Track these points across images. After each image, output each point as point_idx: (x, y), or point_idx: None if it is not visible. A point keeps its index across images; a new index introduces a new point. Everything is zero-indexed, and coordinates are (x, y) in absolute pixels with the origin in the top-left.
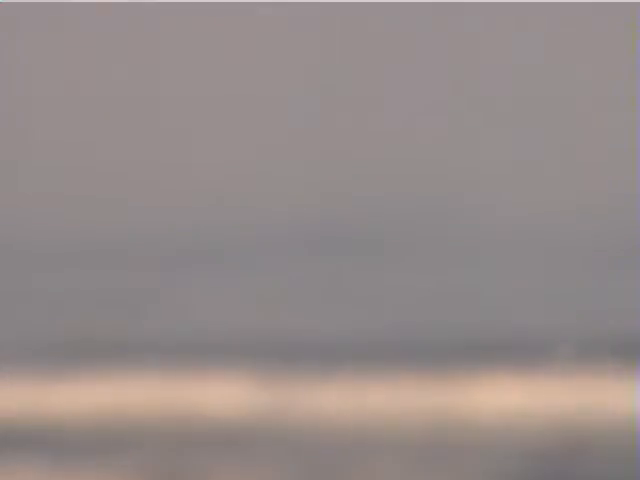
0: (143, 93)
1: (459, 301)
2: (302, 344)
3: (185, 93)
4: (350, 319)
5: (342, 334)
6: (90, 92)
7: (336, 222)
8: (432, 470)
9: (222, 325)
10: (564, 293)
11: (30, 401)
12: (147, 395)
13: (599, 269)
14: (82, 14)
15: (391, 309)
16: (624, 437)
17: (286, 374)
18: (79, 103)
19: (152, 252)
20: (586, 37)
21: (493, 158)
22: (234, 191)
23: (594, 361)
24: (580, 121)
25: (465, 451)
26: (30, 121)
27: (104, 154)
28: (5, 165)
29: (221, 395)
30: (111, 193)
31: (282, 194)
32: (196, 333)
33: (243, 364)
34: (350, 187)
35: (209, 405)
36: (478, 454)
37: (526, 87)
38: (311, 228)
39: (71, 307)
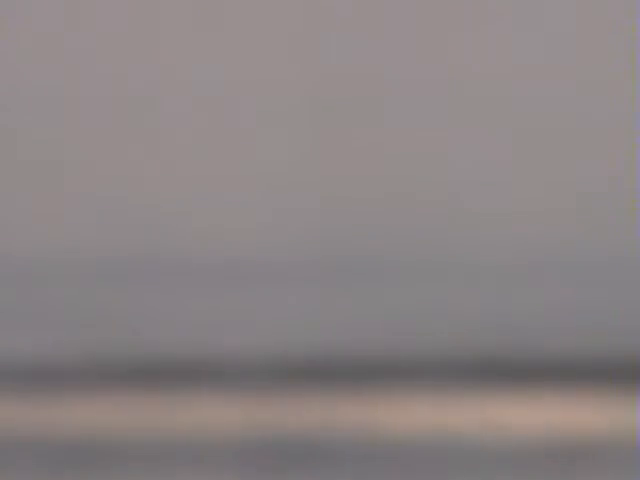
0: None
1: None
2: (296, 362)
3: (181, 94)
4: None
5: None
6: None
7: (335, 236)
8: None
9: (216, 340)
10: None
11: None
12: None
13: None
14: None
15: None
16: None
17: (279, 393)
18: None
19: (148, 267)
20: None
21: (493, 165)
22: (233, 200)
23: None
24: (580, 122)
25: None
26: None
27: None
28: None
29: (214, 414)
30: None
31: (282, 202)
32: (191, 350)
33: (237, 383)
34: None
35: (202, 424)
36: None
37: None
38: (310, 238)
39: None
